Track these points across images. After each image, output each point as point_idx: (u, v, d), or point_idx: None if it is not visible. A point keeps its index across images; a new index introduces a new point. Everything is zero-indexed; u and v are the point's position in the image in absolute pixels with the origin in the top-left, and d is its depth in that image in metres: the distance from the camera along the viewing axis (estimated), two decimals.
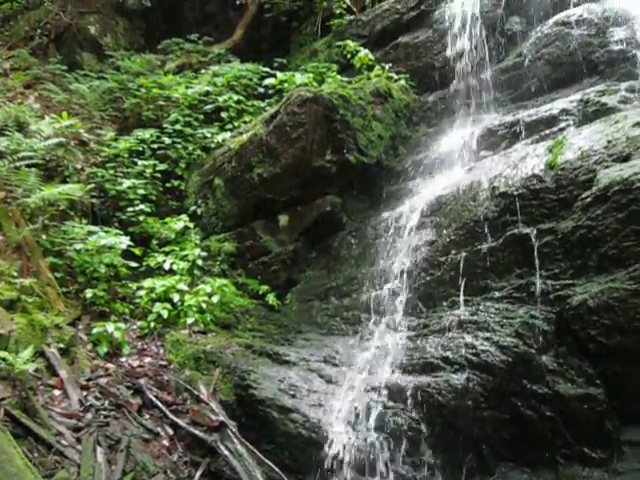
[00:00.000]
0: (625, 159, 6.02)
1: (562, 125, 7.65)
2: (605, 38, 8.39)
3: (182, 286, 7.89)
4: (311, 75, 10.30)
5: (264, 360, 6.86)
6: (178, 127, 10.05)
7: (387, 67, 9.98)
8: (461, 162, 8.21)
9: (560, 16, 8.94)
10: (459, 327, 6.19)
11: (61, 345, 6.60)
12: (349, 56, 10.62)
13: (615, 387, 5.54)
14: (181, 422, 6.14)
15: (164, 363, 7.07)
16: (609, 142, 6.27)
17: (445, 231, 7.10)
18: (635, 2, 8.66)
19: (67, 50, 12.44)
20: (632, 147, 6.05)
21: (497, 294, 6.31)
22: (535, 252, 6.18)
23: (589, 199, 5.94)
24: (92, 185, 8.81)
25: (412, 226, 7.53)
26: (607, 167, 6.04)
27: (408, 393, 5.90)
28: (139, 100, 10.59)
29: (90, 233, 7.99)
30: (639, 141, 6.04)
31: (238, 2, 12.94)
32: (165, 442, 6.01)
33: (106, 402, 6.18)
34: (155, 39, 13.17)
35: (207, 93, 10.60)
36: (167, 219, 9.00)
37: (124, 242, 8.01)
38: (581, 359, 5.69)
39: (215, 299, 7.78)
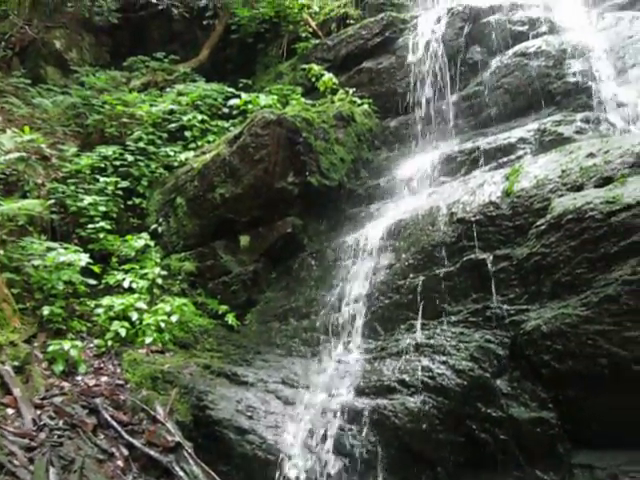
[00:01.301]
0: (578, 188, 6.19)
1: (520, 153, 7.83)
2: (562, 70, 8.61)
3: (141, 305, 7.84)
4: (275, 97, 10.37)
5: (222, 381, 6.84)
6: (141, 145, 10.03)
7: (351, 91, 10.10)
8: (421, 187, 8.33)
9: (519, 47, 9.16)
10: (416, 350, 6.25)
11: (16, 363, 6.51)
12: (313, 79, 10.72)
13: (567, 411, 5.64)
14: (136, 442, 6.07)
15: (121, 382, 7.00)
16: (563, 172, 6.44)
17: (404, 255, 7.19)
18: (591, 36, 8.94)
19: (31, 64, 12.38)
20: (585, 177, 6.23)
21: (454, 318, 6.40)
22: (491, 277, 6.31)
23: (543, 227, 6.08)
24: (52, 201, 8.74)
25: (372, 249, 7.60)
26: (561, 196, 6.21)
27: (365, 415, 5.93)
28: (103, 117, 10.54)
29: (49, 249, 7.89)
30: (592, 171, 6.23)
31: (205, 22, 13.03)
32: (120, 463, 5.94)
33: (60, 421, 6.10)
34: (121, 56, 13.16)
35: (171, 112, 10.61)
36: (128, 237, 8.93)
37: (83, 259, 7.91)
38: (534, 383, 5.79)
39: (174, 318, 7.74)
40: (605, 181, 6.08)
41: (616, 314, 5.40)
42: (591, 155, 6.43)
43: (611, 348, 5.38)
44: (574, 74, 8.52)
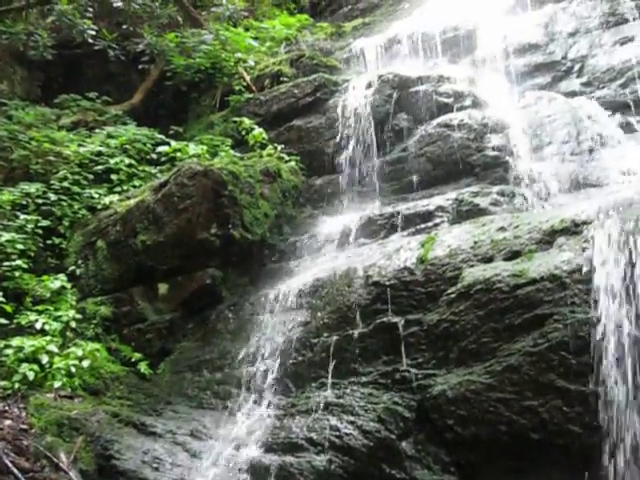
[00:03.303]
0: (488, 260, 6.46)
1: (437, 221, 8.09)
2: (482, 143, 8.99)
3: (52, 347, 7.68)
4: (205, 147, 10.45)
5: (130, 430, 6.76)
6: (66, 184, 9.91)
7: (279, 148, 10.25)
8: (341, 247, 8.49)
9: (443, 118, 9.51)
10: (325, 409, 6.35)
11: None
12: (244, 132, 10.85)
13: (468, 475, 5.83)
14: None
15: (25, 427, 6.82)
16: (475, 243, 6.71)
17: (319, 313, 7.30)
18: (511, 112, 9.43)
19: None
20: (495, 250, 6.51)
21: (364, 379, 6.52)
22: (402, 341, 6.47)
23: (454, 295, 6.32)
24: None
25: (288, 306, 7.68)
26: (472, 266, 6.46)
27: (271, 472, 5.99)
28: (29, 153, 10.40)
29: None
30: (502, 245, 6.52)
31: (141, 66, 13.08)
32: None
33: None
34: (53, 92, 13.03)
35: (99, 153, 10.54)
36: (44, 277, 8.76)
37: None
38: (438, 447, 5.96)
39: (85, 363, 7.62)
40: (514, 255, 6.36)
41: (517, 383, 5.64)
42: (502, 229, 6.73)
43: (511, 416, 5.61)
44: (493, 148, 8.90)
